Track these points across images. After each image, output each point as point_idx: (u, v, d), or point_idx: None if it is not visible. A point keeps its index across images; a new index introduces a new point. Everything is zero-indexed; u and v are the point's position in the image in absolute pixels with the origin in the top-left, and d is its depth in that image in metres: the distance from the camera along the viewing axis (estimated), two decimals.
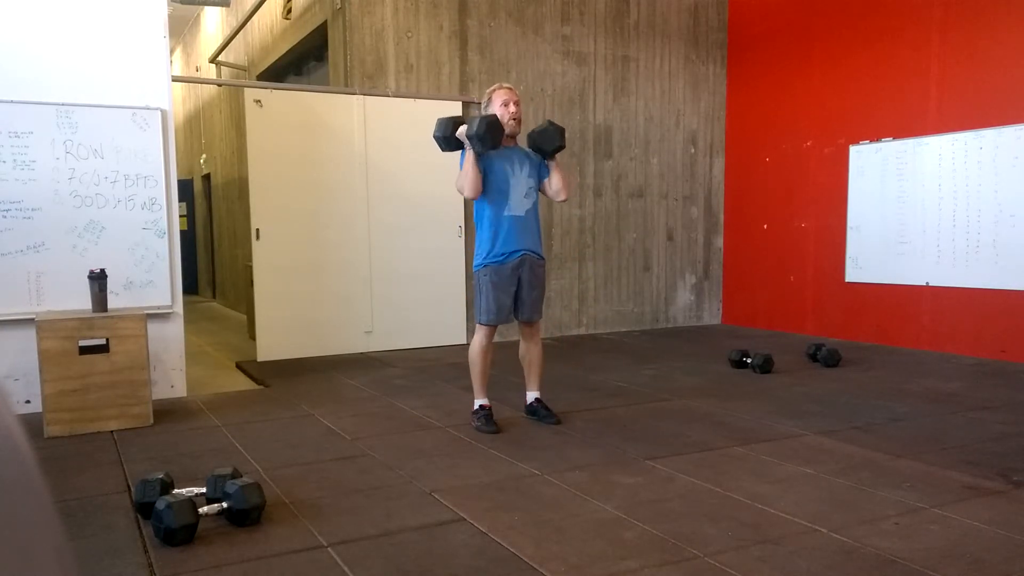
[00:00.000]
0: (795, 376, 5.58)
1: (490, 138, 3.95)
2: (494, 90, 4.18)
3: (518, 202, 4.13)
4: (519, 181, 4.14)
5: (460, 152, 4.14)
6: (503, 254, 4.12)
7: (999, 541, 2.63)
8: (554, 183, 4.25)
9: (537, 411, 4.35)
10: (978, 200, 6.20)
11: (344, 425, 4.32)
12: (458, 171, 4.16)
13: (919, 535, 2.68)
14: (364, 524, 2.84)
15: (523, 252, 4.15)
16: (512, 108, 4.11)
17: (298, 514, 2.94)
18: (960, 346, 6.39)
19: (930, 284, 6.58)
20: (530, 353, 4.35)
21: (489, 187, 4.10)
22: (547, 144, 4.18)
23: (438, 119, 4.20)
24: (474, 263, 4.23)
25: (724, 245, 8.64)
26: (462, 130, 4.04)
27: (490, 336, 4.22)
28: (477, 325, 4.24)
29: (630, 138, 8.00)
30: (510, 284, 4.13)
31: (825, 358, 5.91)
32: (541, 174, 4.26)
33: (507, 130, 4.10)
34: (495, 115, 4.03)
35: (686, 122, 8.30)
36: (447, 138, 4.13)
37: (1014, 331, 6.04)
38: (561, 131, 4.18)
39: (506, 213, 4.11)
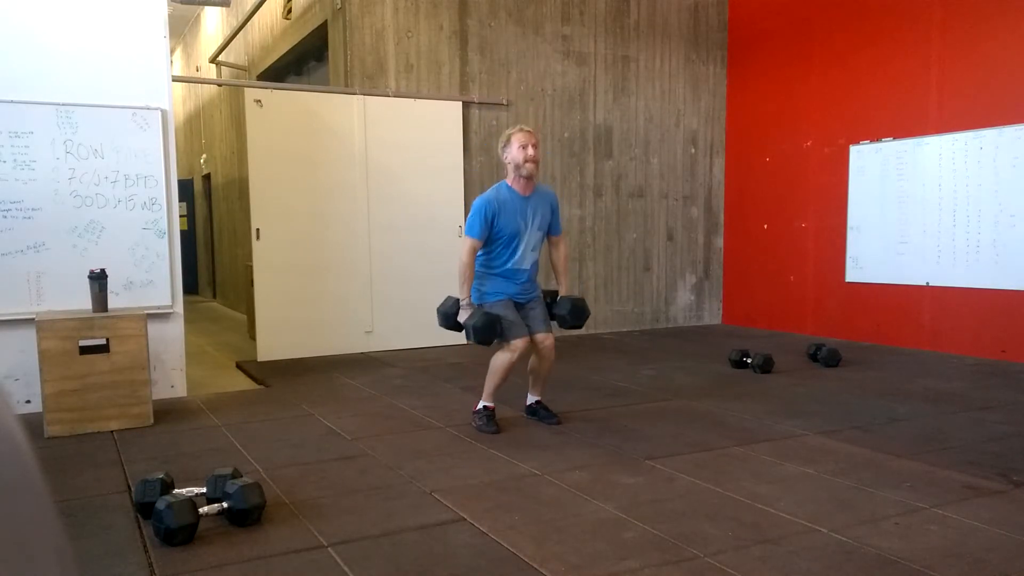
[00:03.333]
0: (795, 376, 5.57)
1: (488, 343, 4.02)
2: (512, 133, 4.12)
3: (526, 256, 4.15)
4: (531, 235, 4.14)
5: (475, 212, 4.09)
6: (505, 295, 4.14)
7: (999, 541, 2.63)
8: (561, 259, 4.36)
9: (537, 412, 4.35)
10: (978, 200, 6.20)
11: (344, 425, 4.32)
12: (465, 236, 4.11)
13: (919, 535, 2.68)
14: (364, 524, 2.84)
15: (517, 300, 4.19)
16: (530, 151, 4.05)
17: (298, 514, 2.94)
18: (960, 346, 6.39)
19: (930, 284, 6.58)
20: (540, 368, 4.27)
21: (499, 242, 4.09)
22: (577, 326, 4.24)
23: (437, 312, 4.23)
24: (473, 298, 4.13)
25: (724, 245, 8.64)
26: (462, 318, 4.07)
27: (522, 354, 4.08)
28: (506, 343, 4.08)
29: (630, 138, 8.00)
30: (510, 303, 4.16)
31: (825, 358, 5.91)
32: (552, 227, 4.26)
33: (524, 172, 4.08)
34: (490, 322, 3.96)
35: (686, 122, 8.30)
36: (451, 328, 4.20)
37: (1014, 331, 6.04)
38: (586, 313, 4.27)
39: (511, 266, 4.12)
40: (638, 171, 8.08)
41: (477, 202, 4.09)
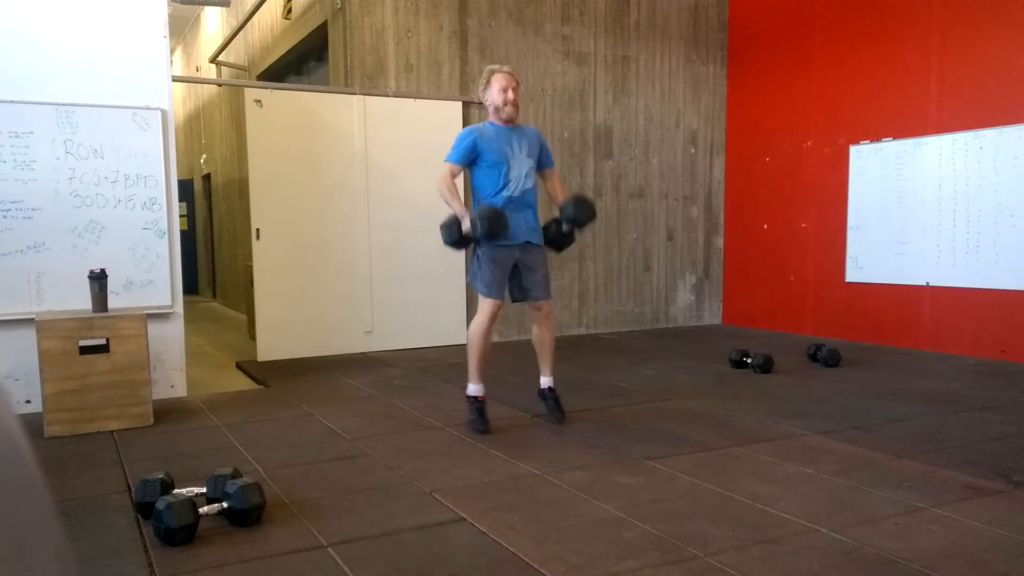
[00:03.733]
0: (795, 376, 5.57)
1: (498, 232, 3.93)
2: (493, 74, 4.11)
3: (517, 182, 4.09)
4: (519, 161, 4.10)
5: (458, 140, 4.08)
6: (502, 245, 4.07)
7: (999, 541, 2.63)
8: (556, 187, 4.33)
9: (547, 399, 4.33)
10: (978, 200, 6.20)
11: (344, 425, 4.32)
12: (448, 164, 4.09)
13: (919, 535, 2.68)
14: (364, 524, 2.84)
15: (521, 243, 4.11)
16: (510, 94, 4.07)
17: (298, 514, 2.94)
18: (960, 346, 6.39)
19: (930, 284, 6.58)
20: (542, 337, 4.27)
21: (488, 168, 4.06)
22: (584, 219, 4.16)
23: (441, 228, 4.15)
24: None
25: (724, 245, 8.64)
26: (467, 227, 4.01)
27: (493, 316, 4.07)
28: (481, 300, 4.10)
29: (630, 138, 8.00)
30: (508, 262, 4.09)
31: (825, 358, 5.91)
32: (542, 161, 4.24)
33: (504, 115, 4.09)
34: (493, 210, 3.92)
35: (686, 122, 8.30)
36: (457, 243, 4.12)
37: (1014, 331, 6.04)
38: (591, 208, 4.19)
39: (505, 194, 4.07)
40: (638, 171, 8.08)
41: (461, 132, 4.12)
